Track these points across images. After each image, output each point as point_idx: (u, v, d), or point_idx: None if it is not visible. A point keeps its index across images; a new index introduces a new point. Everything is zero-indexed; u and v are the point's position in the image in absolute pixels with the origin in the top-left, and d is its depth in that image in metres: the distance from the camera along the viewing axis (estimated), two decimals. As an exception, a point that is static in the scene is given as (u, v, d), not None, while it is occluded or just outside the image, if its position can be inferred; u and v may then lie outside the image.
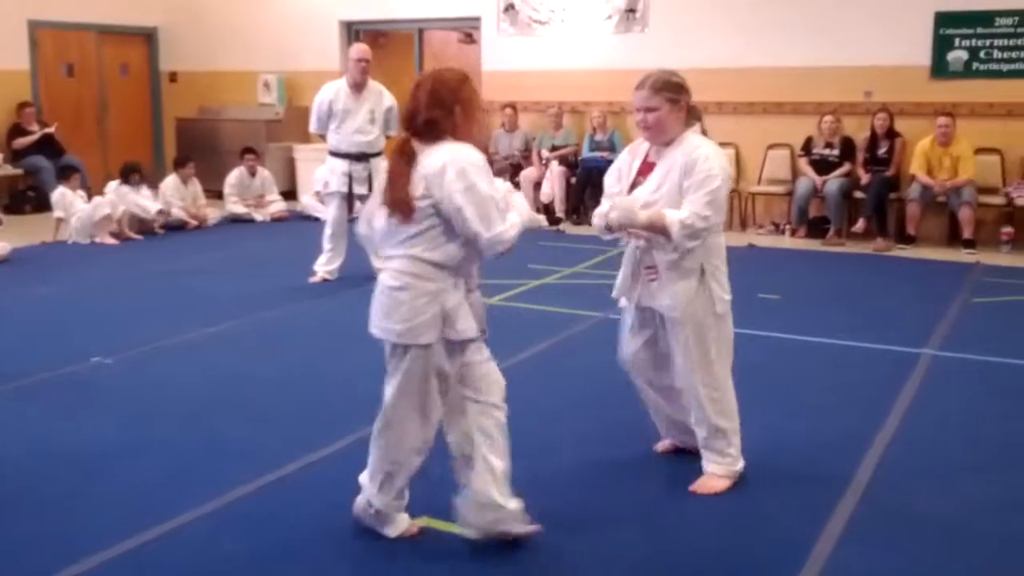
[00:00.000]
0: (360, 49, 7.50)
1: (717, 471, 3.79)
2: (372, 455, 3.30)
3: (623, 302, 3.87)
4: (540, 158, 10.99)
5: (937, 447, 4.30)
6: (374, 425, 3.27)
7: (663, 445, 4.15)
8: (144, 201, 9.86)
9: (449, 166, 3.02)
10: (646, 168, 3.70)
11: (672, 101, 3.61)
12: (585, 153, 10.90)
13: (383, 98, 7.57)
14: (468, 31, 13.17)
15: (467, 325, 3.14)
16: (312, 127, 7.66)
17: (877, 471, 3.97)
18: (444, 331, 3.11)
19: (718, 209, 3.50)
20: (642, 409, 4.05)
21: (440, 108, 3.08)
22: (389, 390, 3.19)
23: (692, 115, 3.71)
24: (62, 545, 3.28)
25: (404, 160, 3.08)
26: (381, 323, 3.14)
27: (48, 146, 11.63)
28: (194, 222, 10.33)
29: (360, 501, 3.36)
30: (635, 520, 3.53)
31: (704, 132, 3.75)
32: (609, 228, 3.66)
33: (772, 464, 4.05)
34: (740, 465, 3.81)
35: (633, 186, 3.70)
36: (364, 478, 3.34)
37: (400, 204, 3.05)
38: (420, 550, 3.28)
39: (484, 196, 3.03)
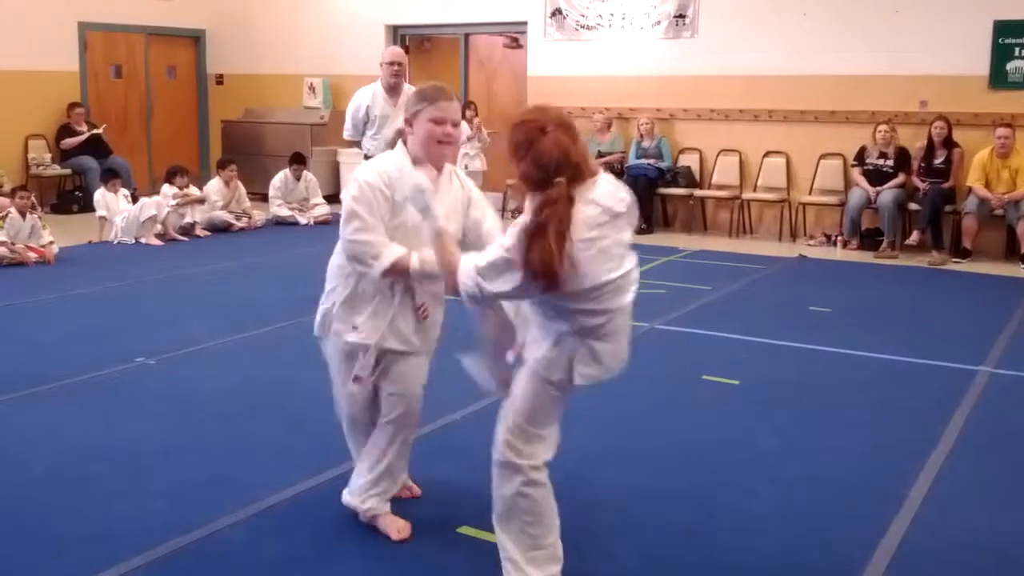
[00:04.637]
0: (392, 52, 7.33)
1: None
2: None
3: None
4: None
5: (994, 468, 4.16)
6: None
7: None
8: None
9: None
10: None
11: None
12: (632, 160, 10.79)
13: None
14: (514, 36, 13.11)
15: None
16: (346, 133, 7.36)
17: (931, 491, 3.85)
18: None
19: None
20: (688, 426, 3.93)
21: None
22: None
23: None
24: (103, 546, 3.29)
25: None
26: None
27: (96, 147, 11.75)
28: (239, 224, 10.38)
29: None
30: (680, 536, 3.45)
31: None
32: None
33: (823, 481, 3.97)
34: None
35: None
36: None
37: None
38: (457, 557, 3.26)
39: None
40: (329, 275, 3.38)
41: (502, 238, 2.78)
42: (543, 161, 2.68)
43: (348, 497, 3.47)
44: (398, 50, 7.45)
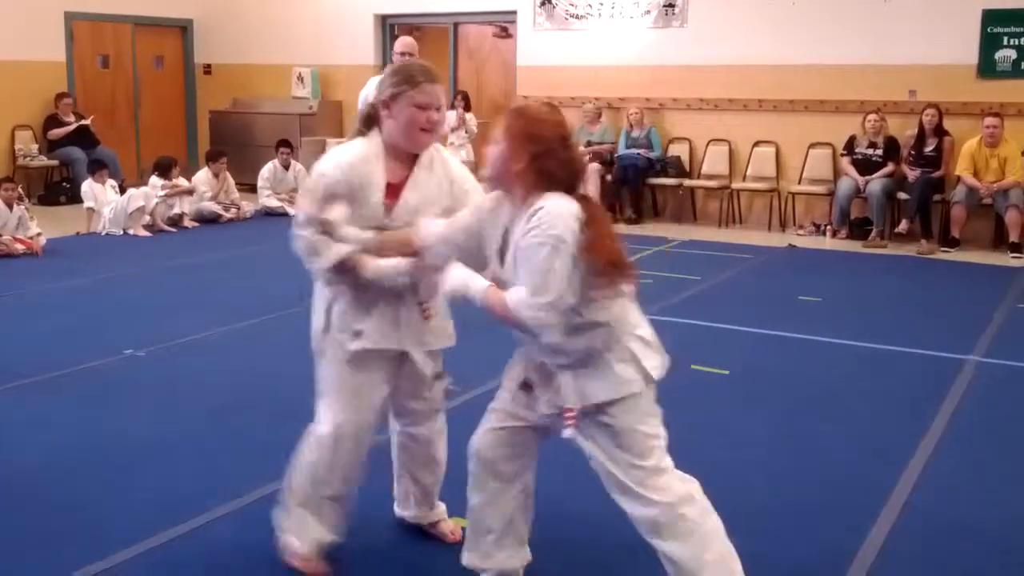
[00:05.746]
0: (404, 42, 7.34)
1: None
2: None
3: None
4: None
5: (983, 456, 4.18)
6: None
7: None
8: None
9: None
10: (396, 188, 2.95)
11: None
12: (621, 150, 10.78)
13: None
14: (503, 25, 13.10)
15: None
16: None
17: (920, 480, 3.87)
18: None
19: None
20: (676, 416, 3.89)
21: None
22: None
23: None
24: (91, 539, 3.28)
25: None
26: None
27: (83, 137, 11.69)
28: (227, 215, 10.35)
29: None
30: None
31: None
32: None
33: (813, 470, 3.98)
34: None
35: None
36: None
37: None
38: (448, 547, 3.25)
39: None
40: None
41: (529, 264, 2.48)
42: (575, 169, 2.59)
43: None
44: (409, 40, 7.37)
